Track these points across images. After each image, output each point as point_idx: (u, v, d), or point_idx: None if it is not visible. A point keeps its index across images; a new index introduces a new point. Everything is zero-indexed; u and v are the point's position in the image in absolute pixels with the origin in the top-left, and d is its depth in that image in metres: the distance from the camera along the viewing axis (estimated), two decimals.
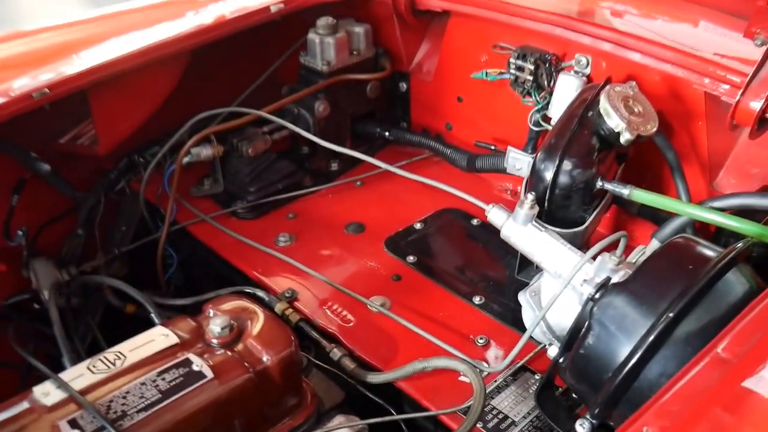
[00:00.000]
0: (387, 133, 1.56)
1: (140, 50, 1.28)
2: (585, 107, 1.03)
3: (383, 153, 1.57)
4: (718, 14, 1.09)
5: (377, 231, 1.37)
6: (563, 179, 1.00)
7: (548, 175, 1.01)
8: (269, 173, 1.44)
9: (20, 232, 1.33)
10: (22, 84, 1.20)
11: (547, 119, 1.24)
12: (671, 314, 0.78)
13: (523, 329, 1.07)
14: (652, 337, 0.79)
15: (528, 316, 1.05)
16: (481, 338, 1.11)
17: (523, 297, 1.04)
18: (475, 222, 1.37)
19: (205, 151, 1.40)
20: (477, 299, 1.19)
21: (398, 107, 1.62)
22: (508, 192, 1.45)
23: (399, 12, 1.45)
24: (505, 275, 1.26)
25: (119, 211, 1.48)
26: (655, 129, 1.03)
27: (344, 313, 1.17)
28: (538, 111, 1.25)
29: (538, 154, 1.03)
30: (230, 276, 1.31)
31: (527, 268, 1.20)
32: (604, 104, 1.00)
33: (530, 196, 0.97)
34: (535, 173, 1.03)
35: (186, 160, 1.37)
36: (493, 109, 1.43)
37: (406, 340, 1.11)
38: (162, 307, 1.17)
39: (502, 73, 1.30)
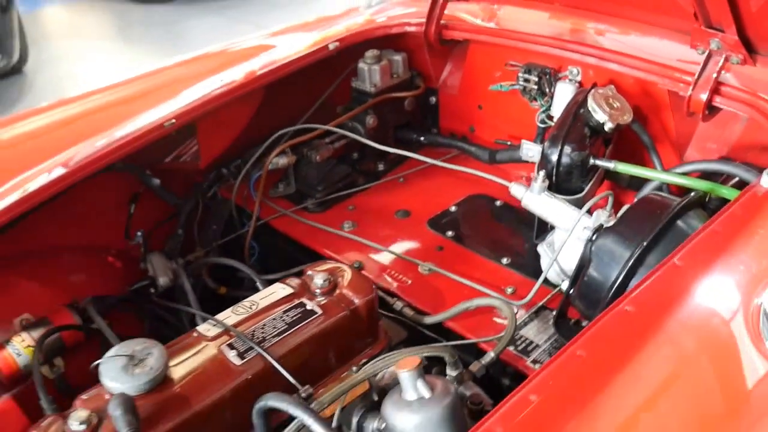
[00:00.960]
0: (422, 138, 1.91)
1: (232, 87, 1.64)
2: (577, 106, 1.38)
3: (419, 154, 1.92)
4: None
5: (421, 215, 1.71)
6: (565, 159, 1.35)
7: (554, 158, 1.36)
8: (331, 175, 1.79)
9: (139, 233, 1.69)
10: (148, 117, 1.57)
11: (550, 118, 1.59)
12: (644, 243, 1.12)
13: None
14: (631, 262, 1.13)
15: (545, 263, 1.39)
16: (509, 288, 1.44)
17: (540, 248, 1.39)
18: (498, 203, 1.72)
19: (282, 161, 1.75)
20: (504, 260, 1.53)
21: (429, 116, 1.98)
22: (524, 178, 1.79)
23: (429, 42, 1.81)
24: (524, 241, 1.59)
25: (211, 214, 1.84)
26: (630, 119, 1.38)
27: (401, 276, 1.51)
28: (543, 112, 1.60)
29: (546, 143, 1.38)
30: (304, 258, 1.65)
31: (543, 234, 1.54)
32: (591, 103, 1.35)
33: (542, 173, 1.32)
34: (544, 156, 1.38)
35: (260, 172, 1.73)
36: (507, 113, 1.78)
37: (451, 293, 1.44)
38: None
39: (513, 85, 1.66)
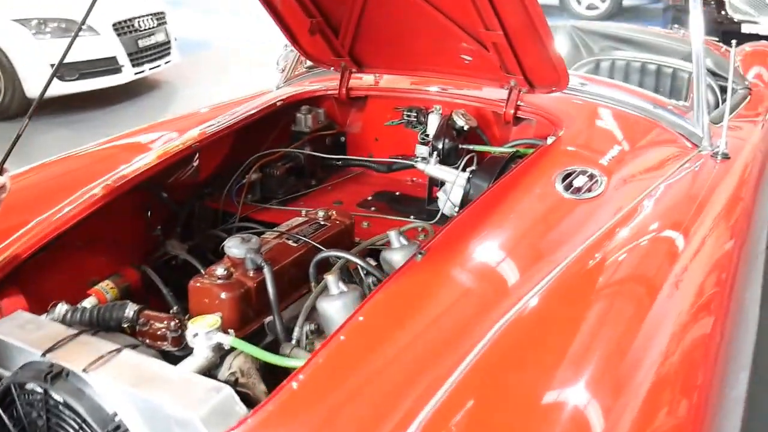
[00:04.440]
0: (339, 162, 2.90)
1: (218, 130, 2.54)
2: (447, 119, 2.47)
3: (337, 174, 2.91)
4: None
5: (350, 202, 2.61)
6: (446, 146, 2.42)
7: (440, 145, 2.42)
8: (287, 184, 2.70)
9: (159, 228, 2.47)
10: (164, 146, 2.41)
11: (426, 135, 2.66)
12: (495, 176, 2.18)
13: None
14: (488, 187, 2.18)
15: (442, 201, 2.39)
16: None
17: (439, 194, 2.40)
18: (397, 193, 2.70)
19: (254, 176, 2.64)
20: (412, 217, 2.50)
21: (341, 150, 2.97)
22: (410, 182, 2.82)
23: (341, 99, 2.84)
24: (420, 208, 2.56)
25: (198, 217, 2.65)
26: (475, 124, 2.50)
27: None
28: (422, 133, 2.67)
29: (433, 139, 2.44)
30: None
31: (431, 202, 2.57)
32: (455, 116, 2.45)
33: (435, 153, 2.37)
34: (434, 146, 2.43)
35: (243, 181, 2.60)
36: (394, 141, 2.82)
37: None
38: None
39: (401, 121, 2.72)
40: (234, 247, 1.86)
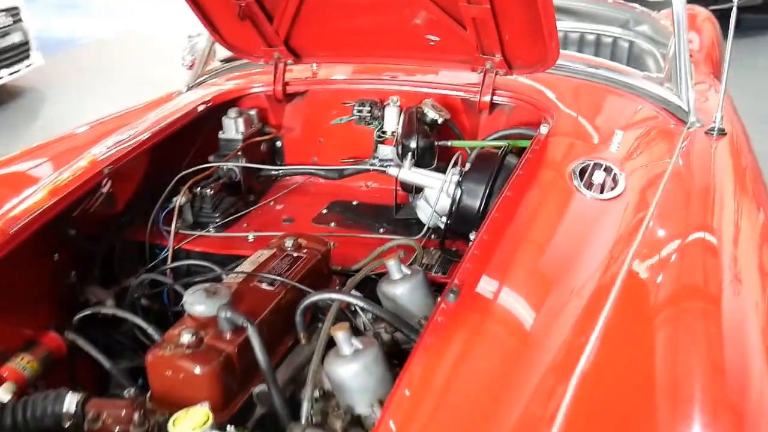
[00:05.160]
0: (279, 171, 2.46)
1: (131, 147, 2.03)
2: (413, 113, 2.09)
3: (277, 185, 2.47)
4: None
5: (302, 219, 2.21)
6: (421, 145, 2.04)
7: (413, 145, 2.04)
8: (224, 204, 2.23)
9: (72, 273, 1.96)
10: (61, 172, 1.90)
11: (383, 132, 2.27)
12: (493, 173, 1.83)
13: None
14: (486, 190, 1.83)
15: (423, 213, 2.03)
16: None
17: (419, 202, 2.01)
18: (354, 203, 2.30)
19: (182, 199, 2.15)
20: (381, 230, 2.10)
21: (278, 158, 2.53)
22: (365, 188, 2.42)
23: (277, 98, 2.38)
24: (386, 219, 2.16)
25: (120, 254, 2.14)
26: (448, 116, 2.13)
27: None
28: (378, 130, 2.28)
29: (402, 137, 2.06)
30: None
31: (400, 209, 2.19)
32: (426, 108, 2.08)
33: (409, 155, 1.99)
34: (406, 147, 2.05)
35: (171, 205, 2.12)
36: (343, 141, 2.42)
37: (360, 253, 1.96)
38: None
39: (351, 117, 2.32)
40: (198, 303, 1.43)
